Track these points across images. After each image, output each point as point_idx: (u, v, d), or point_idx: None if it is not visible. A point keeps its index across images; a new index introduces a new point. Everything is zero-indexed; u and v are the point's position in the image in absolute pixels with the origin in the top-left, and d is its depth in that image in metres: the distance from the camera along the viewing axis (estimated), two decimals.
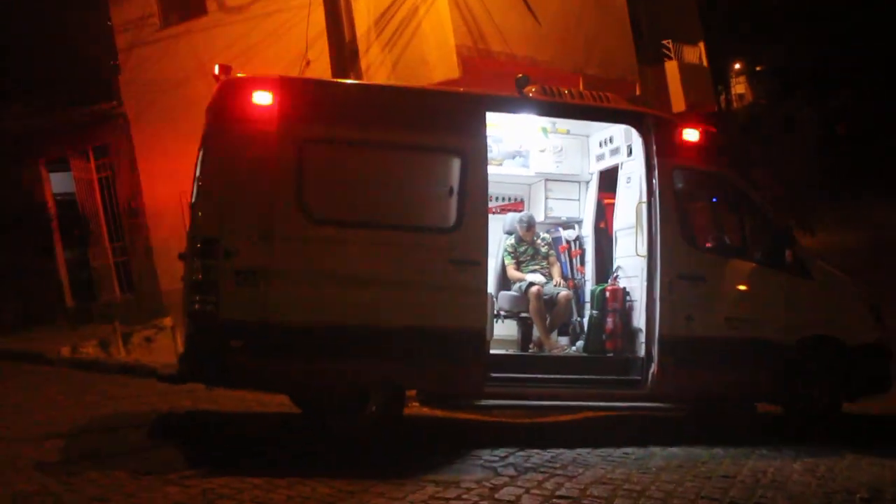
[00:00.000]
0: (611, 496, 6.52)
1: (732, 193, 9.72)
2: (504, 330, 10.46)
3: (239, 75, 8.28)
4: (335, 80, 11.41)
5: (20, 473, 7.02)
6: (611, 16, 20.00)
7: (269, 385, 8.89)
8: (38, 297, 18.80)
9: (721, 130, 27.73)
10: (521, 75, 9.04)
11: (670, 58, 23.62)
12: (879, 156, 56.58)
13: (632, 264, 9.53)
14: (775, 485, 7.13)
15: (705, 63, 26.07)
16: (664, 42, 23.74)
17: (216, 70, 8.26)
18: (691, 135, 9.24)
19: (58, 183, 19.89)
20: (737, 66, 64.70)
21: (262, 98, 7.84)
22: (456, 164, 8.23)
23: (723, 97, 47.72)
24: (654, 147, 9.00)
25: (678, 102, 23.10)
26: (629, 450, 8.29)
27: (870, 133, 57.67)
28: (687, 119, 10.19)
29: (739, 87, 65.65)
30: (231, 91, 8.05)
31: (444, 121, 8.40)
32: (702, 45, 26.00)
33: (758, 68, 65.87)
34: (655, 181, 8.94)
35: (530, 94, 8.93)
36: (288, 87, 8.11)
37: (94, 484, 6.70)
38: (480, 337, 8.29)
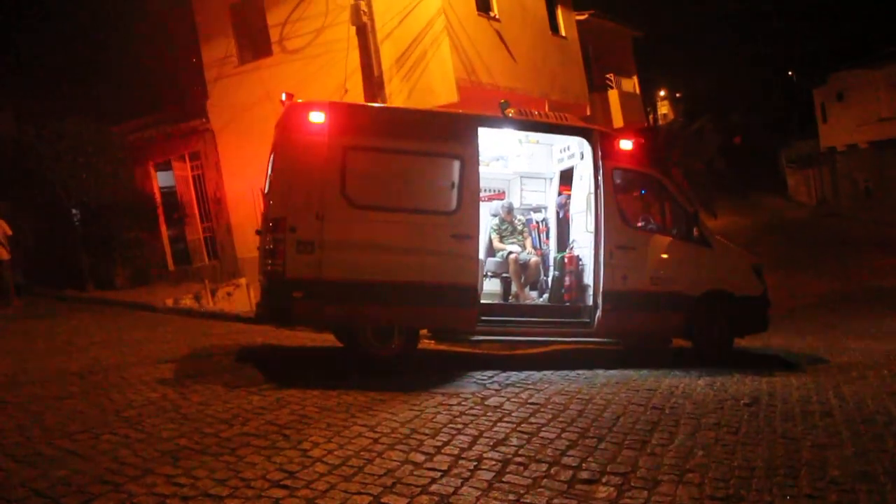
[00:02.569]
0: (567, 402, 6.64)
1: (656, 187, 9.72)
2: (491, 286, 10.48)
3: (300, 100, 8.29)
4: (369, 104, 11.40)
5: (147, 386, 7.19)
6: (569, 56, 20.07)
7: (322, 324, 9.04)
8: (149, 263, 18.90)
9: (648, 141, 27.82)
10: (503, 101, 9.08)
11: (612, 87, 23.63)
12: (762, 160, 56.85)
13: (583, 238, 9.57)
14: (685, 394, 7.24)
15: (637, 91, 26.13)
16: (608, 76, 23.73)
17: (283, 97, 8.32)
18: (626, 144, 9.26)
19: (162, 179, 19.88)
20: (662, 92, 64.56)
21: (317, 117, 7.91)
22: (457, 166, 8.26)
23: (651, 116, 47.49)
24: (599, 153, 9.03)
25: (618, 120, 23.09)
26: (581, 371, 8.34)
27: (757, 144, 57.83)
28: (625, 133, 10.24)
29: (664, 108, 65.49)
30: (294, 111, 8.08)
31: (448, 134, 8.40)
32: (635, 78, 26.06)
33: (677, 94, 65.78)
34: (600, 178, 9.00)
35: (510, 115, 8.98)
36: (335, 109, 8.15)
37: (199, 394, 6.86)
38: (473, 290, 8.39)
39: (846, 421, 6.43)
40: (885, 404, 7.09)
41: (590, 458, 5.15)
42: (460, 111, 10.01)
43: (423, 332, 9.34)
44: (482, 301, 9.12)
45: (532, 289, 10.48)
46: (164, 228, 19.59)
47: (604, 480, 4.76)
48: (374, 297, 7.95)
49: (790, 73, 55.75)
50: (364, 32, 12.26)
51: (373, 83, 12.11)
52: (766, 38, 57.75)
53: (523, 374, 7.89)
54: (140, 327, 12.18)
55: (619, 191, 9.19)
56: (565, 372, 8.27)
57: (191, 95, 18.49)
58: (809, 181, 50.86)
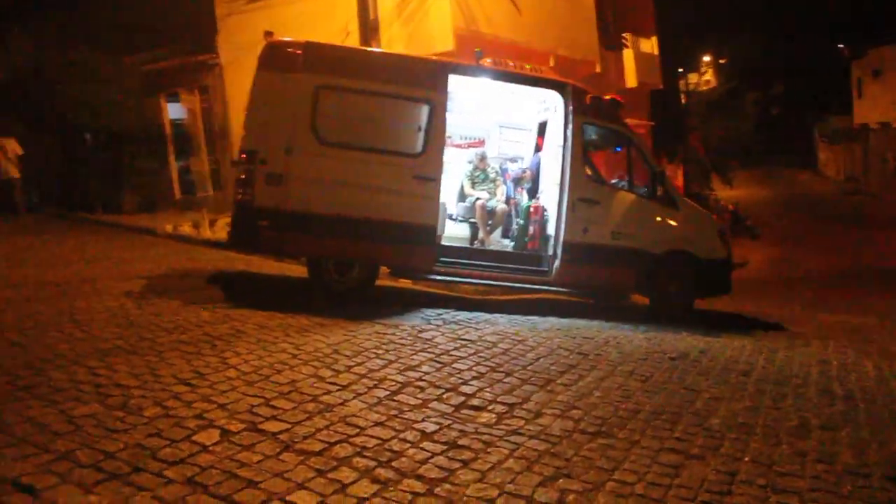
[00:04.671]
0: (498, 341, 6.88)
1: (625, 144, 9.75)
2: (460, 230, 10.69)
3: (281, 38, 8.58)
4: (344, 45, 11.52)
5: (111, 297, 7.71)
6: (580, 11, 19.71)
7: (285, 252, 9.54)
8: (156, 191, 19.42)
9: (662, 104, 27.71)
10: (478, 49, 9.29)
11: (627, 47, 23.45)
12: (797, 133, 56.15)
13: (552, 189, 9.66)
14: (617, 345, 7.38)
15: (656, 52, 25.85)
16: (623, 35, 23.52)
17: (263, 34, 8.70)
18: (599, 101, 9.33)
19: (173, 111, 20.27)
20: (706, 58, 63.55)
21: (292, 55, 8.28)
22: (425, 110, 8.51)
23: (683, 81, 46.70)
24: (571, 107, 9.15)
25: (631, 80, 22.98)
26: (532, 318, 8.50)
27: (794, 116, 57.04)
28: (610, 91, 10.34)
29: (708, 74, 64.57)
30: (272, 49, 8.44)
31: (419, 79, 8.62)
32: (654, 38, 25.74)
33: (721, 61, 64.66)
34: (569, 132, 9.13)
35: (484, 64, 9.24)
36: (310, 48, 8.43)
37: (155, 306, 7.35)
38: (433, 231, 8.63)
39: (759, 380, 6.58)
40: (808, 370, 7.23)
41: (487, 389, 5.46)
42: (433, 57, 10.16)
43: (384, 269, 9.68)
44: (446, 244, 9.41)
45: (504, 236, 10.71)
46: (172, 159, 20.03)
47: (489, 408, 5.08)
48: (336, 231, 8.32)
49: (839, 45, 54.53)
50: None
51: (367, 28, 12.32)
52: (813, 5, 56.51)
53: (472, 315, 8.14)
54: (134, 248, 12.68)
55: (587, 145, 9.38)
56: (516, 317, 8.46)
57: (202, 30, 18.71)
58: (840, 157, 50.28)
